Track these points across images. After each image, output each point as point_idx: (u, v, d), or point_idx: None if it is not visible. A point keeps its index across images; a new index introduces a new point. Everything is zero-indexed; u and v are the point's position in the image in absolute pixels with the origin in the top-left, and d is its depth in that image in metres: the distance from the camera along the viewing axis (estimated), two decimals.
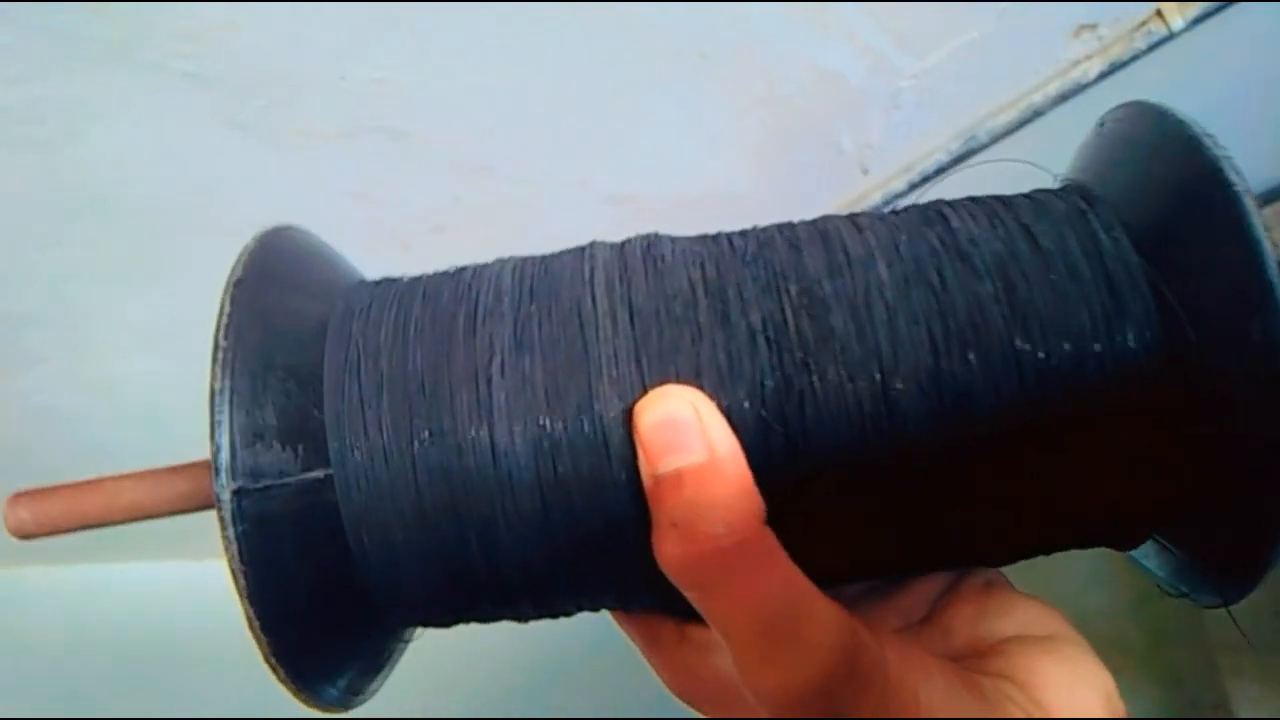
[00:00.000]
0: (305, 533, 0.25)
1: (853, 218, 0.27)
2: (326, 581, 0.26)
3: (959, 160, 0.69)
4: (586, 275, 0.26)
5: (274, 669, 0.24)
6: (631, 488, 0.24)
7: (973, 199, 0.28)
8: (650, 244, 0.27)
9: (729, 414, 0.24)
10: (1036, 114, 0.67)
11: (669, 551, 0.23)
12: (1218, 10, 0.64)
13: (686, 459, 0.23)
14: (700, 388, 0.25)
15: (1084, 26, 0.64)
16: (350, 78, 0.51)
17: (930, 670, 0.25)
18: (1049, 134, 0.69)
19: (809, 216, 0.28)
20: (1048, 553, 0.28)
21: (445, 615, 0.28)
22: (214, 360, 0.24)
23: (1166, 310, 0.25)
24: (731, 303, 0.25)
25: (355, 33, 0.50)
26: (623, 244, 0.28)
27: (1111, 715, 0.26)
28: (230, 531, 0.23)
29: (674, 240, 0.28)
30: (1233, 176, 0.24)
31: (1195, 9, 0.64)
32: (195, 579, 0.87)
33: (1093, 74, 0.65)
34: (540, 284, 0.27)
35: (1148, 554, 0.30)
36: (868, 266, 0.25)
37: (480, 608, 0.27)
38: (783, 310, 0.25)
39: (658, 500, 0.24)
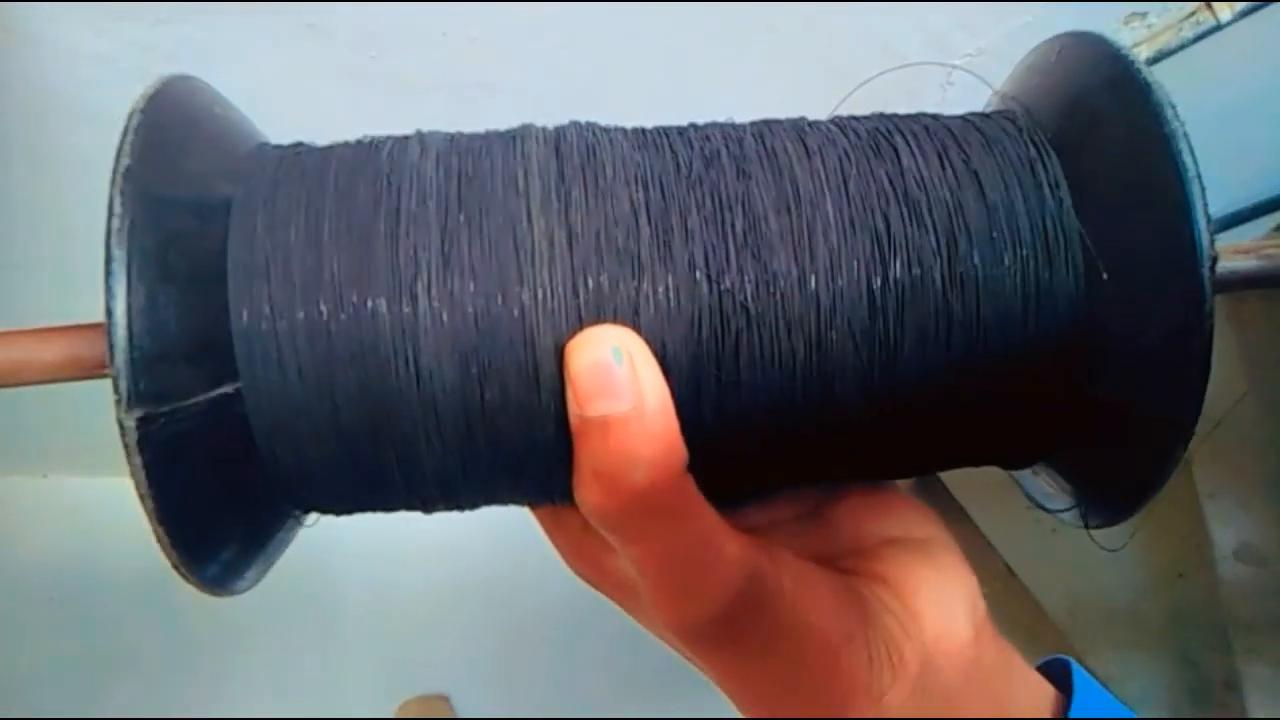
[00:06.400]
0: (213, 448, 0.24)
1: (802, 134, 0.27)
2: (234, 484, 0.25)
3: None
4: (521, 183, 0.25)
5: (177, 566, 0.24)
6: (559, 419, 0.24)
7: (925, 125, 0.27)
8: (590, 147, 0.26)
9: (664, 352, 0.24)
10: None
11: (589, 499, 0.24)
12: (1265, 5, 0.66)
13: (614, 407, 0.23)
14: (636, 326, 0.24)
15: (1134, 15, 0.67)
16: (451, 34, 0.56)
17: (820, 590, 0.26)
18: None
19: None
20: (945, 469, 0.30)
21: (349, 509, 0.27)
22: (107, 272, 0.21)
23: (1094, 276, 0.25)
24: (675, 234, 0.24)
25: None
26: (557, 140, 0.26)
27: (973, 618, 0.27)
28: (136, 459, 0.22)
29: (613, 141, 0.26)
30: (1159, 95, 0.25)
31: (1244, 4, 0.66)
32: None
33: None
34: (469, 186, 0.25)
35: (1029, 477, 0.31)
36: (815, 205, 0.25)
37: (389, 506, 0.27)
38: (727, 248, 0.24)
39: (582, 443, 0.23)
